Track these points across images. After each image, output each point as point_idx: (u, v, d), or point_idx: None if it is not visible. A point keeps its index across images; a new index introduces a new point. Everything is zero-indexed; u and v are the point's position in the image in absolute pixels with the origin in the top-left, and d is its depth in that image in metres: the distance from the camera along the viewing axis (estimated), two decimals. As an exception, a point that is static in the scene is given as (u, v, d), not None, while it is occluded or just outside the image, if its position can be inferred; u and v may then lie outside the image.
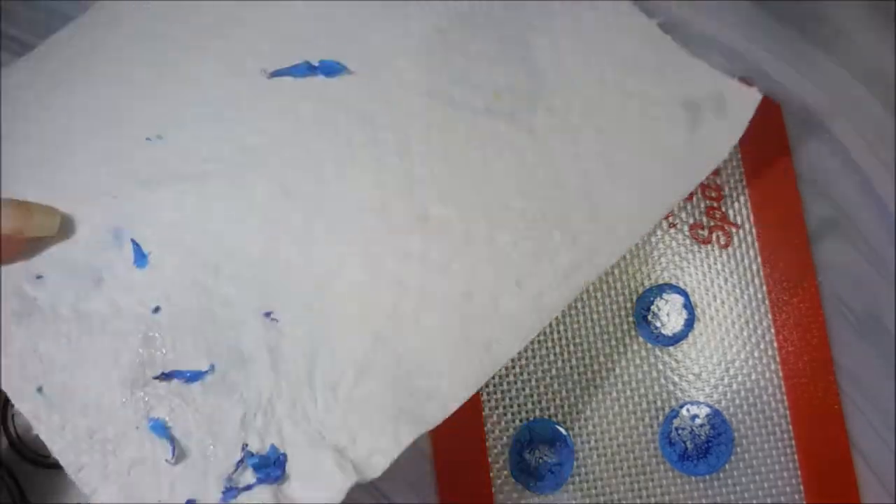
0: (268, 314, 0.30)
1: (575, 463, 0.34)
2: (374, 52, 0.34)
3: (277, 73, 0.33)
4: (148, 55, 0.34)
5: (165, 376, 0.28)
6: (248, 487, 0.28)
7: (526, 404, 0.34)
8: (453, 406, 0.30)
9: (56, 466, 0.28)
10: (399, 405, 0.30)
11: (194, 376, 0.28)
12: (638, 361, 0.35)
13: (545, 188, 0.33)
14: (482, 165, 0.33)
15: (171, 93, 0.33)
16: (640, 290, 0.35)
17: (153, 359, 0.29)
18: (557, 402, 0.34)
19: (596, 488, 0.34)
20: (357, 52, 0.34)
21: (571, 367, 0.34)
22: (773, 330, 0.35)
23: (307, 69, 0.33)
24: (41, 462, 0.33)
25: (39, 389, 0.28)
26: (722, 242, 0.35)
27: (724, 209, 0.36)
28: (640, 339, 0.35)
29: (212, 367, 0.29)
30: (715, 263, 0.35)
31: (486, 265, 0.32)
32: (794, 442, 0.34)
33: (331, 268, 0.31)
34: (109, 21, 0.34)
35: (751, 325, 0.35)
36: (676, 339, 0.35)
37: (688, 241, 0.35)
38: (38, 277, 0.29)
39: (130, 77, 0.33)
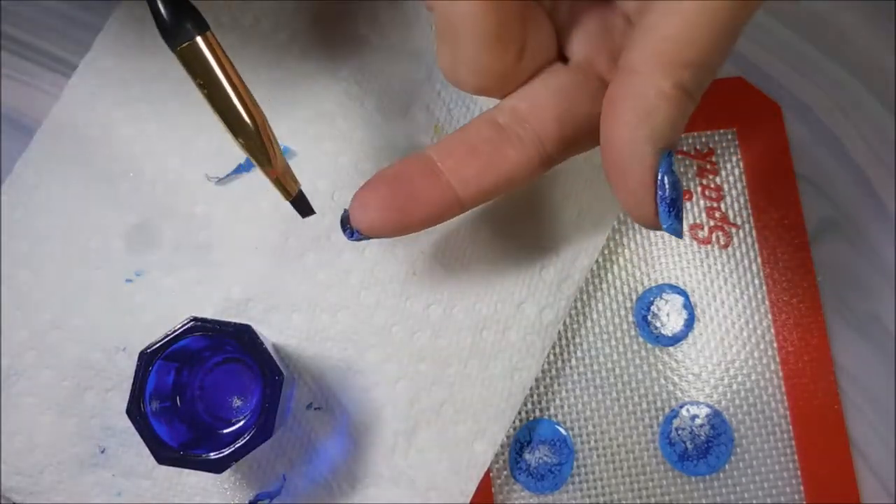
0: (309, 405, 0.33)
1: (575, 463, 0.34)
2: (305, 125, 0.34)
3: (226, 177, 0.34)
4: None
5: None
6: None
7: (526, 404, 0.34)
8: (499, 439, 0.32)
9: None
10: (450, 455, 0.32)
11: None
12: (638, 361, 0.35)
13: (507, 211, 0.34)
14: None
15: None
16: (640, 290, 0.35)
17: None
18: (557, 402, 0.34)
19: (596, 488, 0.34)
20: (288, 128, 0.34)
21: (571, 367, 0.34)
22: (773, 330, 0.35)
23: (252, 162, 0.34)
24: None
25: None
26: (722, 242, 0.35)
27: (724, 209, 0.36)
28: (640, 339, 0.35)
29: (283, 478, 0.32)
30: (715, 263, 0.35)
31: (484, 301, 0.33)
32: (794, 442, 0.34)
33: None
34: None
35: (751, 325, 0.35)
36: (676, 339, 0.35)
37: (688, 241, 0.35)
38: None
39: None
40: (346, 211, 0.26)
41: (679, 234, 0.23)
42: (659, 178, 0.22)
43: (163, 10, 0.24)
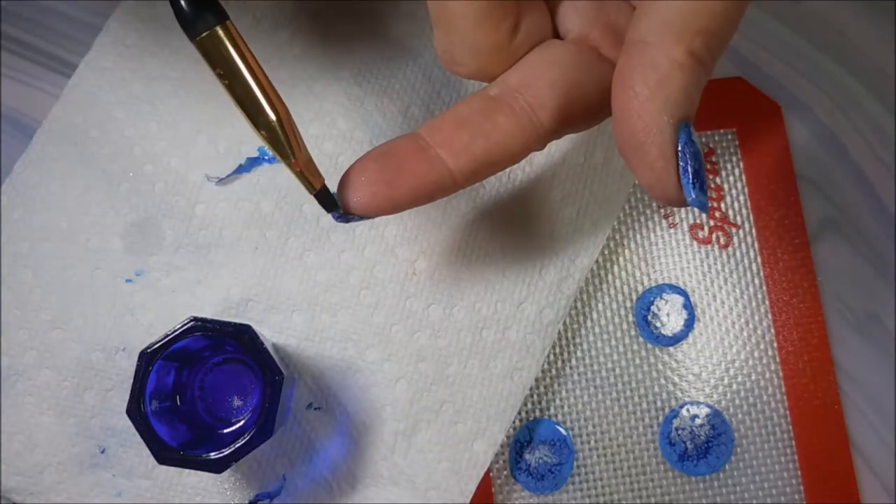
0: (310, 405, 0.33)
1: (575, 463, 0.34)
2: (305, 125, 0.34)
3: (226, 177, 0.34)
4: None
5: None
6: None
7: (526, 404, 0.34)
8: (499, 439, 0.32)
9: None
10: (450, 455, 0.32)
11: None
12: (638, 361, 0.35)
13: (506, 211, 0.34)
14: (444, 209, 0.34)
15: None
16: (640, 290, 0.35)
17: None
18: (557, 402, 0.34)
19: (596, 488, 0.34)
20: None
21: (571, 367, 0.34)
22: (773, 330, 0.35)
23: (252, 162, 0.34)
24: None
25: None
26: (722, 242, 0.35)
27: (724, 209, 0.36)
28: (640, 339, 0.35)
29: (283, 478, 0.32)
30: (715, 263, 0.35)
31: (484, 301, 0.33)
32: (794, 442, 0.34)
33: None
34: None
35: (751, 325, 0.35)
36: (676, 339, 0.35)
37: (688, 241, 0.35)
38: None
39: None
40: (334, 192, 0.26)
41: (704, 208, 0.22)
42: (679, 149, 0.21)
43: (181, 0, 0.23)
